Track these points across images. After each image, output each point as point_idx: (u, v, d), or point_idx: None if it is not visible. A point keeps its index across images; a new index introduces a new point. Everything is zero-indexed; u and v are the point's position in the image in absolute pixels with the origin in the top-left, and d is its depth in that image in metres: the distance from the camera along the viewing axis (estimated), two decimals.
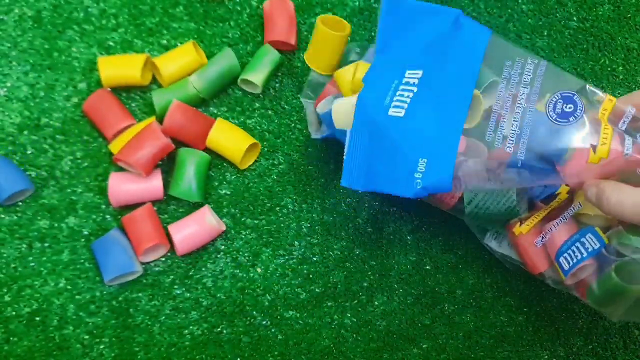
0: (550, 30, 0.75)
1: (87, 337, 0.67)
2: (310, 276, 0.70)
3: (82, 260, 0.69)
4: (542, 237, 0.59)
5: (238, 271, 0.70)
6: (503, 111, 0.54)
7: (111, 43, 0.72)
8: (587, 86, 0.54)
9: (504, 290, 0.70)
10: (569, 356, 0.69)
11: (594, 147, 0.51)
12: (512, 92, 0.55)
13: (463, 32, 0.58)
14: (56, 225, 0.69)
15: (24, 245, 0.68)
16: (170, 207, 0.70)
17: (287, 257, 0.70)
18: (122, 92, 0.72)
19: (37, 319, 0.67)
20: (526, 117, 0.53)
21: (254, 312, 0.69)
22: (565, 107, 0.53)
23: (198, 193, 0.68)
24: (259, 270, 0.70)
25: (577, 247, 0.56)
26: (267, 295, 0.70)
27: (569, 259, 0.56)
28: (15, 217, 0.68)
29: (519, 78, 0.55)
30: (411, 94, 0.56)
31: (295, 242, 0.71)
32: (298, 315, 0.69)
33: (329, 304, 0.70)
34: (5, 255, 0.68)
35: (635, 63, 0.75)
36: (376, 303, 0.70)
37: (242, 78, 0.70)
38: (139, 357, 0.68)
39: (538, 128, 0.53)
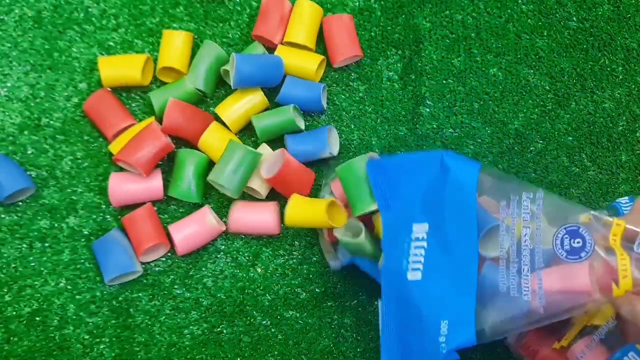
0: (550, 31, 0.75)
1: (87, 337, 0.68)
2: (310, 276, 0.70)
3: (83, 260, 0.69)
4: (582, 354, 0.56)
5: (238, 271, 0.70)
6: (511, 256, 0.52)
7: (111, 43, 0.72)
8: (591, 212, 0.51)
9: None
10: None
11: (615, 281, 0.48)
12: (514, 232, 0.52)
13: (451, 174, 0.56)
14: (56, 225, 0.69)
15: (25, 245, 0.68)
16: (170, 207, 0.70)
17: (287, 257, 0.70)
18: (123, 92, 0.72)
19: (38, 319, 0.67)
20: (535, 259, 0.51)
21: (254, 312, 0.69)
22: (574, 242, 0.50)
23: (197, 194, 0.68)
24: (259, 270, 0.70)
25: None
26: (267, 295, 0.70)
27: None
28: (16, 217, 0.69)
29: (518, 219, 0.53)
30: (423, 251, 0.55)
31: (295, 242, 0.71)
32: (298, 315, 0.69)
33: (329, 303, 0.70)
34: (5, 255, 0.68)
35: (635, 63, 0.75)
36: (376, 303, 0.70)
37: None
38: (139, 356, 0.68)
39: (551, 273, 0.50)
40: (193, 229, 0.67)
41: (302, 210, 0.65)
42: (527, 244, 0.52)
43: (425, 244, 0.55)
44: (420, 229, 0.56)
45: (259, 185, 0.68)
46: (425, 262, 0.55)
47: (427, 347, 0.53)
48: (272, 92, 0.71)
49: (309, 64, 0.70)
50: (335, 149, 0.70)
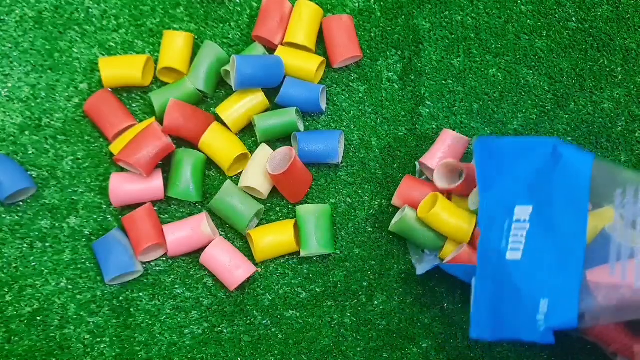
0: (549, 31, 0.75)
1: (88, 336, 0.68)
2: (310, 276, 0.70)
3: (83, 260, 0.69)
4: None
5: None
6: (624, 242, 0.54)
7: (112, 44, 0.73)
8: None
9: None
10: (568, 355, 0.70)
11: None
12: (630, 219, 0.54)
13: (564, 162, 0.58)
14: (57, 225, 0.69)
15: (26, 245, 0.68)
16: (170, 207, 0.71)
17: (287, 257, 0.71)
18: (123, 92, 0.72)
19: (38, 318, 0.68)
20: None
21: (255, 312, 0.69)
22: None
23: (196, 193, 0.68)
24: (259, 269, 0.70)
25: None
26: (267, 294, 0.70)
27: None
28: (17, 217, 0.69)
29: (635, 207, 0.55)
30: (524, 232, 0.57)
31: None
32: (298, 314, 0.70)
33: (329, 303, 0.70)
34: (6, 255, 0.68)
35: (634, 64, 0.75)
36: (376, 302, 0.70)
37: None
38: (139, 356, 0.68)
39: None
40: (186, 233, 0.67)
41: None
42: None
43: (527, 225, 0.57)
44: (523, 211, 0.58)
45: (260, 185, 0.68)
46: (527, 243, 0.57)
47: (522, 323, 0.55)
48: (272, 93, 0.72)
49: (309, 64, 0.70)
50: (340, 157, 0.71)
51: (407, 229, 0.67)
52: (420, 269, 0.68)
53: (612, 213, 0.56)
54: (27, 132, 0.70)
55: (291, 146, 0.71)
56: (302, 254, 0.68)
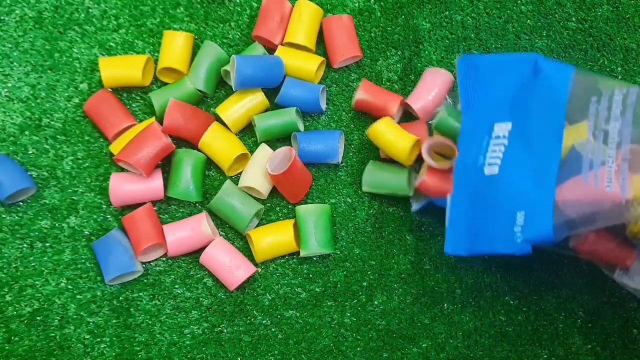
0: (549, 31, 0.75)
1: (88, 336, 0.68)
2: (310, 276, 0.70)
3: (83, 260, 0.69)
4: None
5: None
6: (594, 158, 0.53)
7: (112, 44, 0.73)
8: None
9: (503, 289, 0.70)
10: (568, 355, 0.70)
11: None
12: (602, 128, 0.54)
13: (543, 75, 0.57)
14: (57, 225, 0.69)
15: (26, 245, 0.68)
16: (170, 207, 0.71)
17: (287, 257, 0.71)
18: (123, 92, 0.72)
19: (38, 318, 0.68)
20: (622, 152, 0.52)
21: (255, 312, 0.69)
22: None
23: (196, 193, 0.68)
24: (259, 270, 0.70)
25: None
26: (267, 294, 0.70)
27: None
28: (17, 217, 0.69)
29: (608, 113, 0.54)
30: (502, 148, 0.57)
31: None
32: (298, 314, 0.70)
33: (328, 303, 0.70)
34: (6, 255, 0.68)
35: (634, 64, 0.75)
36: (376, 302, 0.70)
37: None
38: (139, 356, 0.68)
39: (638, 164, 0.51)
40: (186, 233, 0.67)
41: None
42: (614, 137, 0.53)
43: (505, 141, 0.57)
44: (502, 128, 0.58)
45: (259, 185, 0.68)
46: (504, 158, 0.57)
47: (499, 235, 0.56)
48: (272, 93, 0.72)
49: (309, 65, 0.70)
50: (340, 157, 0.71)
51: (375, 179, 0.69)
52: (415, 206, 0.69)
53: (586, 128, 0.56)
54: (27, 132, 0.70)
55: (291, 146, 0.71)
56: (302, 254, 0.68)
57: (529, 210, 0.55)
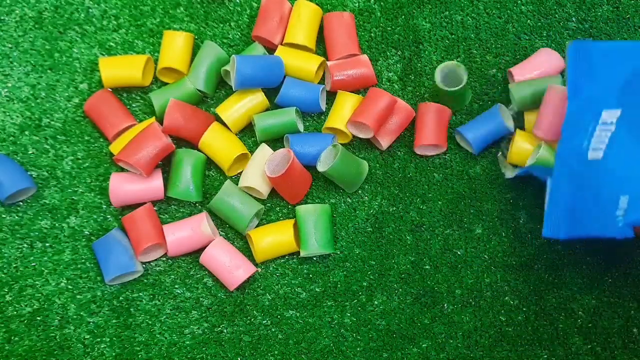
0: (549, 31, 0.75)
1: (88, 336, 0.68)
2: (310, 276, 0.70)
3: (83, 260, 0.69)
4: None
5: None
6: None
7: (112, 44, 0.73)
8: None
9: (503, 290, 0.70)
10: (568, 356, 0.70)
11: None
12: None
13: None
14: (57, 225, 0.69)
15: (26, 245, 0.68)
16: (171, 207, 0.71)
17: (287, 257, 0.71)
18: (123, 92, 0.72)
19: (39, 318, 0.68)
20: None
21: (255, 312, 0.69)
22: None
23: (196, 193, 0.68)
24: (259, 270, 0.70)
25: None
26: (267, 294, 0.70)
27: None
28: (17, 217, 0.69)
29: None
30: (609, 134, 0.57)
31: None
32: (298, 314, 0.70)
33: (328, 303, 0.70)
34: (6, 255, 0.68)
35: None
36: (376, 302, 0.70)
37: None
38: (139, 356, 0.68)
39: None
40: (186, 233, 0.67)
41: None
42: None
43: (612, 127, 0.57)
44: (610, 115, 0.58)
45: (259, 185, 0.68)
46: (610, 144, 0.57)
47: (600, 219, 0.56)
48: (272, 93, 0.72)
49: (309, 65, 0.70)
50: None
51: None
52: (509, 174, 0.69)
53: None
54: (27, 132, 0.70)
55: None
56: (302, 254, 0.68)
57: (634, 194, 0.54)
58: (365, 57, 0.71)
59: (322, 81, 0.73)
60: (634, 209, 0.54)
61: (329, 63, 0.71)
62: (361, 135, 0.69)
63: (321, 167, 0.68)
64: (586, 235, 0.57)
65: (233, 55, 0.67)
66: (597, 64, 0.60)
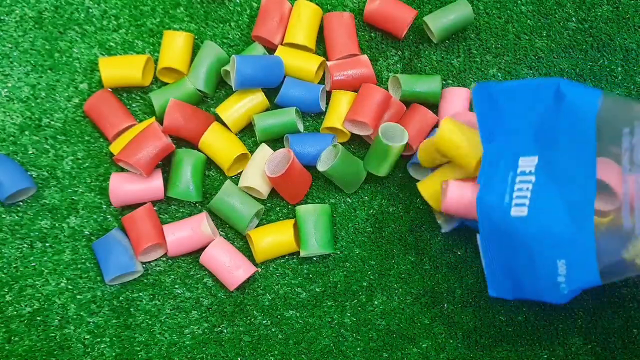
0: (549, 31, 0.75)
1: (88, 336, 0.68)
2: (310, 276, 0.70)
3: (83, 260, 0.69)
4: None
5: None
6: (636, 192, 0.48)
7: (112, 44, 0.73)
8: None
9: None
10: (568, 356, 0.70)
11: None
12: (639, 162, 0.48)
13: (567, 102, 0.52)
14: (57, 225, 0.69)
15: (26, 245, 0.68)
16: (171, 207, 0.71)
17: (287, 257, 0.71)
18: (123, 92, 0.72)
19: (39, 318, 0.68)
20: None
21: (255, 312, 0.69)
22: None
23: (196, 193, 0.68)
24: (259, 270, 0.70)
25: None
26: (267, 294, 0.70)
27: None
28: (17, 217, 0.69)
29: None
30: (530, 185, 0.52)
31: None
32: (298, 314, 0.70)
33: (328, 303, 0.70)
34: (6, 255, 0.68)
35: (634, 64, 0.75)
36: (376, 302, 0.70)
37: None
38: (139, 356, 0.68)
39: None
40: (186, 233, 0.67)
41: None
42: None
43: (532, 178, 0.52)
44: (527, 163, 0.53)
45: (259, 185, 0.68)
46: (533, 197, 0.52)
47: (543, 286, 0.52)
48: (272, 93, 0.72)
49: (309, 65, 0.70)
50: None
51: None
52: (446, 228, 0.67)
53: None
54: (27, 132, 0.70)
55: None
56: (302, 254, 0.68)
57: (570, 258, 0.50)
58: (365, 57, 0.71)
59: (322, 81, 0.73)
60: (574, 276, 0.50)
61: (328, 63, 0.71)
62: (361, 133, 0.69)
63: (321, 167, 0.68)
64: (533, 299, 0.53)
65: (233, 55, 0.67)
66: (504, 107, 0.55)
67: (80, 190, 0.70)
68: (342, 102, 0.70)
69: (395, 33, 0.72)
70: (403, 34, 0.72)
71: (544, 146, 0.53)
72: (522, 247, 0.52)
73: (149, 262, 0.69)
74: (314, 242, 0.67)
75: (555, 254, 0.51)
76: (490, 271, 0.55)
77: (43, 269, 0.68)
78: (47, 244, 0.69)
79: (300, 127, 0.71)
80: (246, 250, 0.70)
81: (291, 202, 0.70)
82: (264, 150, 0.70)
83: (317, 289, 0.70)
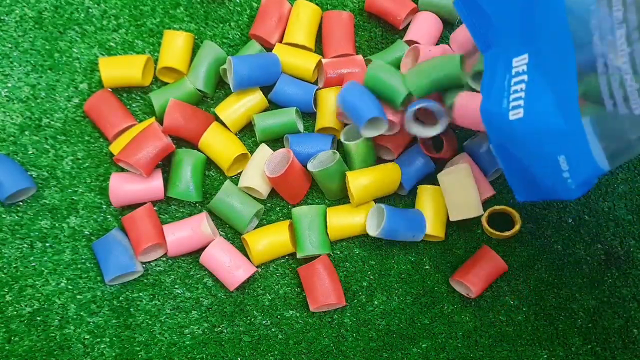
0: None
1: (88, 336, 0.68)
2: None
3: (83, 260, 0.69)
4: None
5: None
6: (610, 69, 0.47)
7: (112, 44, 0.73)
8: None
9: (503, 290, 0.70)
10: (568, 356, 0.70)
11: None
12: (609, 38, 0.47)
13: None
14: (57, 225, 0.69)
15: (26, 245, 0.68)
16: (171, 207, 0.71)
17: (287, 257, 0.71)
18: (123, 92, 0.72)
19: (39, 318, 0.68)
20: (637, 60, 0.46)
21: (255, 312, 0.69)
22: None
23: (196, 193, 0.68)
24: (259, 270, 0.70)
25: None
26: (267, 294, 0.70)
27: None
28: (17, 217, 0.69)
29: (611, 20, 0.47)
30: (524, 85, 0.52)
31: None
32: (298, 314, 0.70)
33: None
34: (6, 255, 0.68)
35: None
36: (376, 302, 0.70)
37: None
38: (139, 356, 0.68)
39: None
40: (186, 233, 0.67)
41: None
42: (624, 48, 0.46)
43: (525, 77, 0.52)
44: (519, 63, 0.53)
45: (259, 185, 0.68)
46: (526, 97, 0.52)
47: (553, 184, 0.52)
48: (269, 90, 0.72)
49: (307, 63, 0.70)
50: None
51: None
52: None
53: None
54: (27, 132, 0.70)
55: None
56: (298, 255, 0.68)
57: (568, 152, 0.50)
58: (359, 57, 0.71)
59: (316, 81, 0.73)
60: (576, 169, 0.50)
61: (323, 61, 0.71)
62: (374, 134, 0.66)
63: (311, 167, 0.68)
64: (554, 199, 0.54)
65: (229, 57, 0.67)
66: (489, 11, 0.56)
67: (80, 190, 0.70)
68: (329, 100, 0.70)
69: (394, 23, 0.72)
70: (401, 25, 0.72)
71: (529, 42, 0.53)
72: (525, 149, 0.53)
73: (149, 262, 0.69)
74: (309, 243, 0.67)
75: (554, 151, 0.51)
76: (510, 179, 0.56)
77: (43, 269, 0.68)
78: (47, 244, 0.69)
79: (300, 127, 0.71)
80: (246, 250, 0.70)
81: (291, 202, 0.70)
82: (263, 150, 0.70)
83: None
